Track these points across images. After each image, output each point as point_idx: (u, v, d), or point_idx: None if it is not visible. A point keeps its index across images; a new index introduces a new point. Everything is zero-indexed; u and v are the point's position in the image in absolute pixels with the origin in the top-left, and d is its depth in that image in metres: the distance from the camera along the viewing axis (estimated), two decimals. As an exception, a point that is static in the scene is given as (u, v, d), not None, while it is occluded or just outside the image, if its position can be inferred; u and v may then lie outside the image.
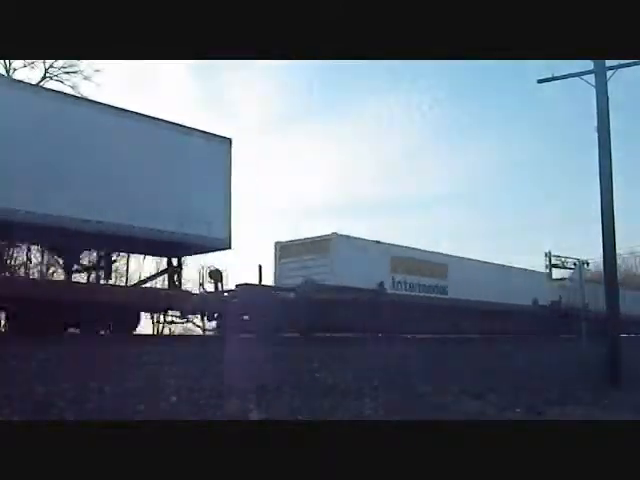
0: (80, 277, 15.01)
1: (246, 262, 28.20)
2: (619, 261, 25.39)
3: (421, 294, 21.62)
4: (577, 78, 11.56)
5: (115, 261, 16.51)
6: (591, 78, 11.22)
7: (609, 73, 11.11)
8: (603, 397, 8.09)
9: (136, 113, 11.96)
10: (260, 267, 16.97)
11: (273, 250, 20.08)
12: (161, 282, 17.32)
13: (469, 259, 24.90)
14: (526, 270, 29.99)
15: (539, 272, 29.58)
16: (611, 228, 10.86)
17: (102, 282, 13.94)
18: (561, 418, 6.31)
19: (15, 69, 28.46)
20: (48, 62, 28.24)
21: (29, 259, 15.62)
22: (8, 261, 15.70)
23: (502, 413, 6.59)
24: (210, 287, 15.61)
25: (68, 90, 29.70)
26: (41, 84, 29.02)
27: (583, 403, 7.47)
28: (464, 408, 6.74)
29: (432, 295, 21.99)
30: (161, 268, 16.19)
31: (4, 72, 28.03)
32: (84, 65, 28.88)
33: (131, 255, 16.28)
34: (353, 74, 74.67)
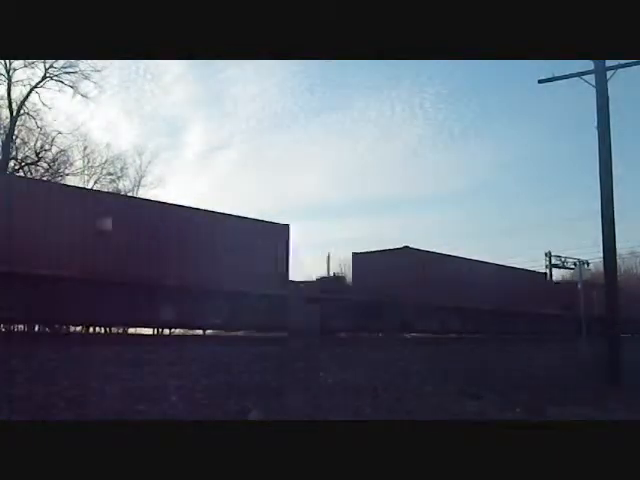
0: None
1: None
2: (619, 261, 25.45)
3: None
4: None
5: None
6: (591, 78, 11.23)
7: (609, 73, 11.12)
8: (603, 397, 8.09)
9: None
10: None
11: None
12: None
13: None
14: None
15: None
16: (611, 228, 10.85)
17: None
18: (561, 418, 6.31)
19: (15, 69, 28.48)
20: (48, 62, 28.23)
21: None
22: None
23: (502, 413, 6.59)
24: None
25: (67, 90, 29.83)
26: (41, 84, 29.07)
27: (583, 403, 7.47)
28: (464, 408, 6.74)
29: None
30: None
31: (4, 72, 28.06)
32: (84, 65, 28.93)
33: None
34: (354, 72, 74.66)
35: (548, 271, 38.87)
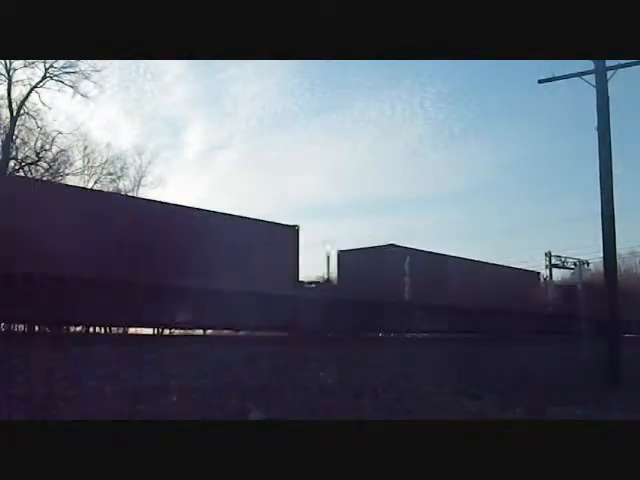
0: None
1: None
2: (619, 261, 25.45)
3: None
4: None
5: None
6: (591, 78, 11.23)
7: (609, 73, 11.12)
8: (603, 397, 8.09)
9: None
10: None
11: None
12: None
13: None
14: None
15: None
16: (611, 228, 10.86)
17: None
18: (561, 418, 6.31)
19: (15, 69, 28.48)
20: (48, 62, 28.24)
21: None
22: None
23: (502, 413, 6.59)
24: None
25: (67, 89, 29.85)
26: (41, 84, 29.09)
27: (583, 403, 7.47)
28: (464, 408, 6.74)
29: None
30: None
31: (4, 72, 28.07)
32: (84, 65, 28.94)
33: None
34: (354, 72, 74.63)
35: (548, 271, 38.87)
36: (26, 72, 28.72)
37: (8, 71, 28.24)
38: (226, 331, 19.17)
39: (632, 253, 46.82)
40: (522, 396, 7.55)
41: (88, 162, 33.20)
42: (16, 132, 28.87)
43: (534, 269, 33.01)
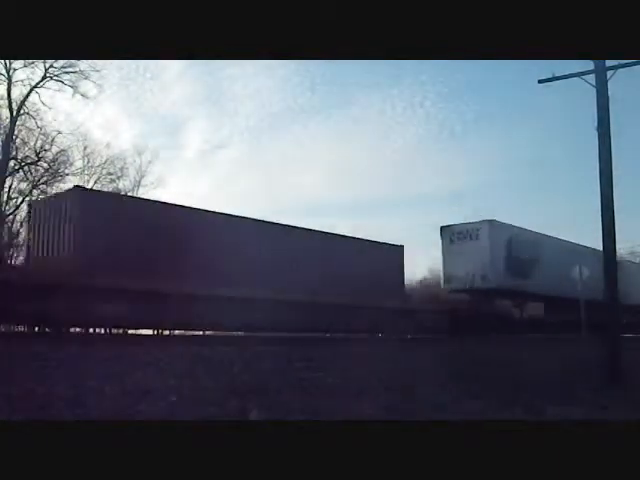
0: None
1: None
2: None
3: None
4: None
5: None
6: (591, 78, 11.22)
7: (609, 73, 11.11)
8: (603, 397, 8.08)
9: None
10: None
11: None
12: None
13: None
14: None
15: None
16: (611, 227, 10.85)
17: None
18: (561, 418, 6.30)
19: (15, 69, 28.49)
20: (48, 62, 28.24)
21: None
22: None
23: (501, 412, 6.58)
24: None
25: (67, 89, 29.86)
26: (41, 84, 29.10)
27: (583, 403, 7.47)
28: (463, 408, 6.74)
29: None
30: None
31: (4, 72, 28.08)
32: (84, 65, 28.96)
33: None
34: (354, 71, 74.55)
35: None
36: (26, 72, 28.80)
37: (8, 71, 28.29)
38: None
39: (632, 253, 46.81)
40: (522, 396, 7.54)
41: (88, 162, 33.28)
42: (16, 132, 28.91)
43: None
